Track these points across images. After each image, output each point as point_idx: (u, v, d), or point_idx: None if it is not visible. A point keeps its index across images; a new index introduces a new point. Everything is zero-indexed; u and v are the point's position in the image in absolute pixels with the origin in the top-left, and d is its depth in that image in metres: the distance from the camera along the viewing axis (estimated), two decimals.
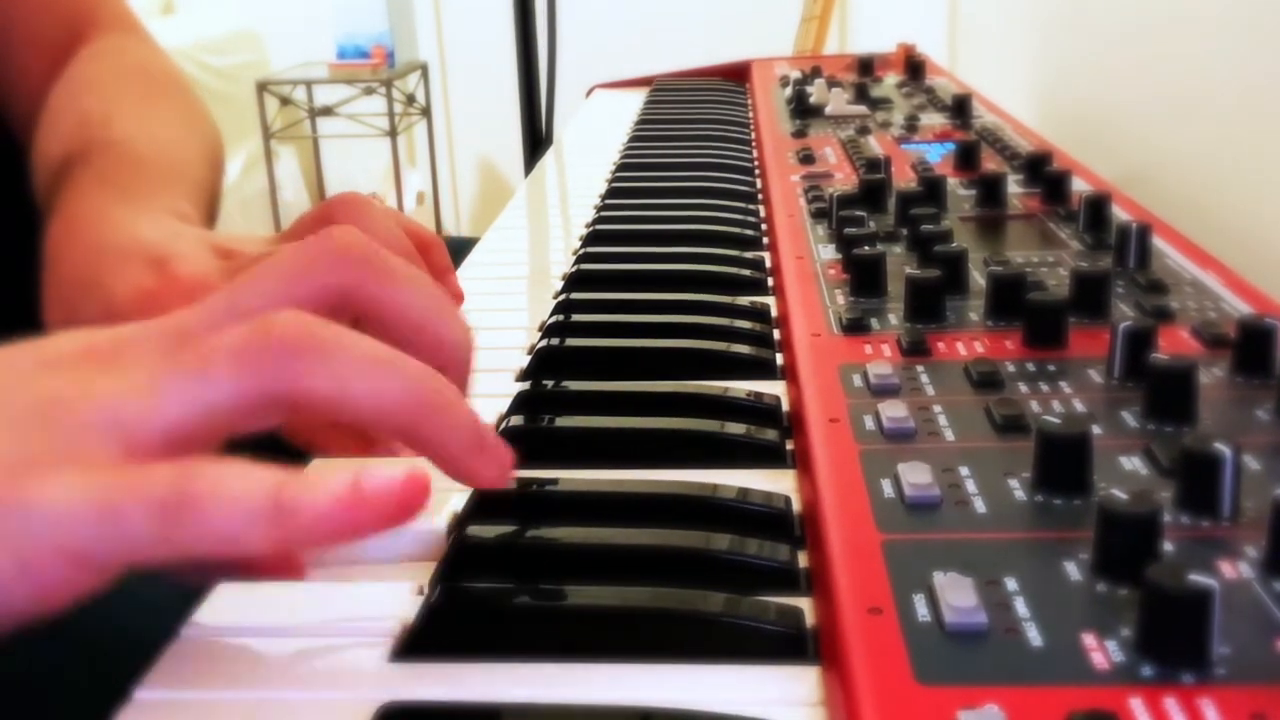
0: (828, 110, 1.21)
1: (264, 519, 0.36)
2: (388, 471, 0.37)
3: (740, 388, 0.61)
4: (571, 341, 0.68)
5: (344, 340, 0.40)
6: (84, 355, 0.40)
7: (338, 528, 0.37)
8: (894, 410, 0.51)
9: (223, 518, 0.36)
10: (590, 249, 0.87)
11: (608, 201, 1.01)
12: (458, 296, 0.61)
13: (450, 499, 0.51)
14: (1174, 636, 0.34)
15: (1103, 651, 0.35)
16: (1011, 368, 0.56)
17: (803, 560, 0.46)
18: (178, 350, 0.40)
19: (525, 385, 0.63)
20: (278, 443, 0.49)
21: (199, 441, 0.39)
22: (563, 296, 0.76)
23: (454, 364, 0.47)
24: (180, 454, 0.38)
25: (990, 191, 0.83)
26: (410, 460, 0.40)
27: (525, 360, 0.67)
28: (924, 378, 0.55)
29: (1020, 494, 0.44)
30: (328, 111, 4.04)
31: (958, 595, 0.37)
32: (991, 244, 0.75)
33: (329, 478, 0.37)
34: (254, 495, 0.36)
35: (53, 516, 0.36)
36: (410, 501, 0.37)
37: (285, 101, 4.04)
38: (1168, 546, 0.40)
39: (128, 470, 0.37)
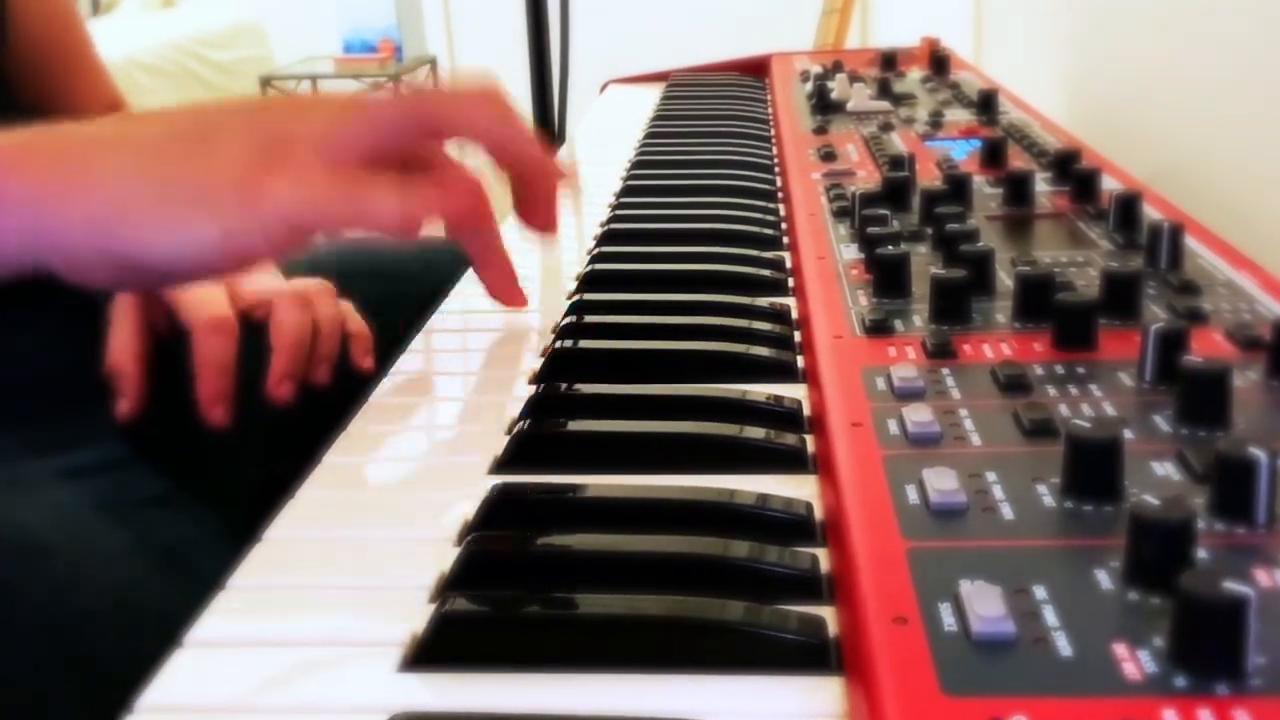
0: (849, 106, 1.21)
1: (401, 209, 0.58)
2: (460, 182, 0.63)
3: (760, 391, 0.61)
4: (585, 343, 0.69)
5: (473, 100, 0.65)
6: (291, 101, 0.64)
7: (445, 212, 0.63)
8: (919, 414, 0.51)
9: (377, 210, 0.58)
10: (604, 249, 0.88)
11: (622, 200, 1.02)
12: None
13: (461, 506, 0.51)
14: (1208, 646, 0.34)
15: (1134, 662, 0.35)
16: (1040, 370, 0.56)
17: (824, 568, 0.46)
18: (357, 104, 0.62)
19: (538, 388, 0.63)
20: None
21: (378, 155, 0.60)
22: (576, 297, 0.76)
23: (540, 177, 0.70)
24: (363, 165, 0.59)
25: (1017, 190, 0.83)
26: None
27: (538, 363, 0.67)
28: (949, 381, 0.55)
29: (1049, 500, 0.44)
30: None
31: (985, 604, 0.37)
32: (1019, 243, 0.75)
33: (424, 191, 0.60)
34: (395, 198, 0.58)
35: (281, 199, 0.56)
36: (470, 195, 0.63)
37: None
38: (1201, 554, 0.40)
39: (327, 176, 0.58)
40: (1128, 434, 0.48)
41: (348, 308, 0.79)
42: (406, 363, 0.69)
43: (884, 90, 1.26)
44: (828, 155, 1.02)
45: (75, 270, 0.56)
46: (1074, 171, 0.84)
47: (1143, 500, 0.39)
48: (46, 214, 0.55)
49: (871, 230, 0.73)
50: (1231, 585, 0.34)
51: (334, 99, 0.64)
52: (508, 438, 0.58)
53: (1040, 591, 0.39)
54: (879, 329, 0.61)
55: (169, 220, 0.56)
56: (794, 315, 0.73)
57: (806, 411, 0.60)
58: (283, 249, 0.58)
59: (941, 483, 0.45)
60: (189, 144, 0.58)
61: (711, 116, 1.35)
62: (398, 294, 0.83)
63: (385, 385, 0.66)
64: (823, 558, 0.47)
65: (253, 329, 0.74)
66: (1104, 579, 0.39)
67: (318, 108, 0.62)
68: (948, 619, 0.38)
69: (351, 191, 0.58)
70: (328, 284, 0.78)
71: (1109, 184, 0.84)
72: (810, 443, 0.56)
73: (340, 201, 0.58)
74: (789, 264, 0.82)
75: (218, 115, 0.61)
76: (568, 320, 0.72)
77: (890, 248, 0.68)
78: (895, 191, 0.83)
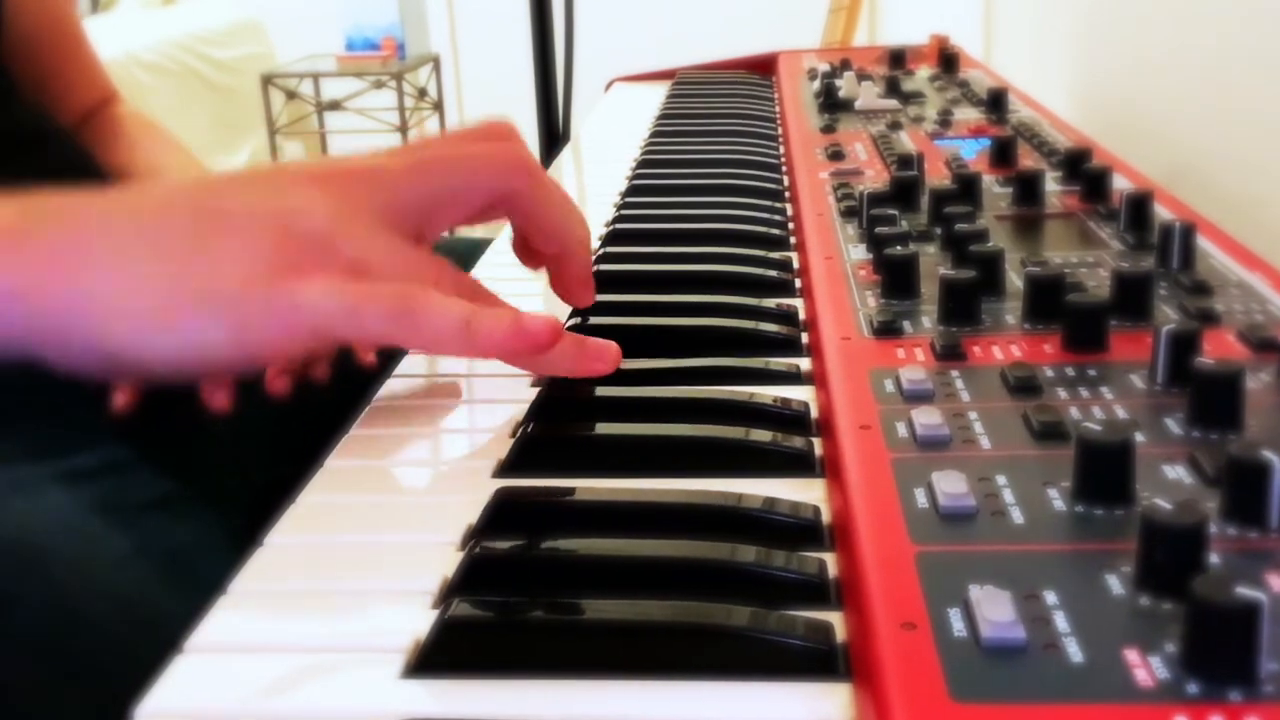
0: (858, 104, 1.21)
1: (458, 336, 0.55)
2: (541, 317, 0.57)
3: (766, 393, 0.61)
4: None
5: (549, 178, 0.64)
6: (312, 177, 0.58)
7: (505, 350, 0.58)
8: (928, 417, 0.51)
9: (431, 329, 0.54)
10: (609, 249, 0.88)
11: (628, 200, 1.02)
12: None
13: (464, 511, 0.51)
14: (1220, 652, 0.34)
15: (1146, 668, 0.35)
16: (1050, 372, 0.56)
17: (832, 573, 0.46)
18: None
19: (543, 390, 0.63)
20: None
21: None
22: None
23: (578, 253, 0.67)
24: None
25: (1027, 189, 0.83)
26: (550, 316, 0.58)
27: None
28: (959, 383, 0.55)
29: (1059, 504, 0.44)
30: (336, 106, 4.06)
31: (995, 609, 0.37)
32: (1029, 244, 0.75)
33: (502, 314, 0.56)
34: (453, 317, 0.54)
35: (310, 308, 0.53)
36: (552, 335, 0.57)
37: (291, 95, 4.06)
38: (1214, 558, 0.40)
39: (368, 287, 0.54)
40: (1139, 437, 0.48)
41: None
42: (409, 365, 0.69)
43: (892, 88, 1.26)
44: (835, 154, 1.02)
45: (68, 363, 0.55)
46: (1084, 171, 0.84)
47: (1154, 504, 0.39)
48: (37, 309, 0.53)
49: (880, 230, 0.73)
50: (1244, 590, 0.34)
51: (347, 169, 0.59)
52: (512, 441, 0.58)
53: (1051, 596, 0.39)
54: (887, 330, 0.61)
55: (170, 322, 0.53)
56: (801, 316, 0.73)
57: (814, 414, 0.60)
58: (305, 349, 0.57)
59: (951, 486, 0.45)
60: (193, 234, 0.55)
61: (718, 115, 1.35)
62: None
63: (388, 388, 0.66)
64: (830, 562, 0.47)
65: None
66: (1115, 584, 0.39)
67: (330, 183, 0.58)
68: (957, 624, 0.38)
69: (399, 305, 0.54)
70: None
71: (1120, 183, 0.84)
72: (818, 446, 0.56)
73: (385, 318, 0.54)
74: (796, 264, 0.82)
75: (223, 197, 0.57)
76: (573, 321, 0.72)
77: (899, 248, 0.68)
78: (904, 191, 0.83)
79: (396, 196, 0.59)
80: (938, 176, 0.89)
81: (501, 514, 0.51)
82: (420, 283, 0.55)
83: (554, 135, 2.02)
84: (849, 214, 0.83)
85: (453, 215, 0.62)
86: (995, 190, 0.87)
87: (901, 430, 0.51)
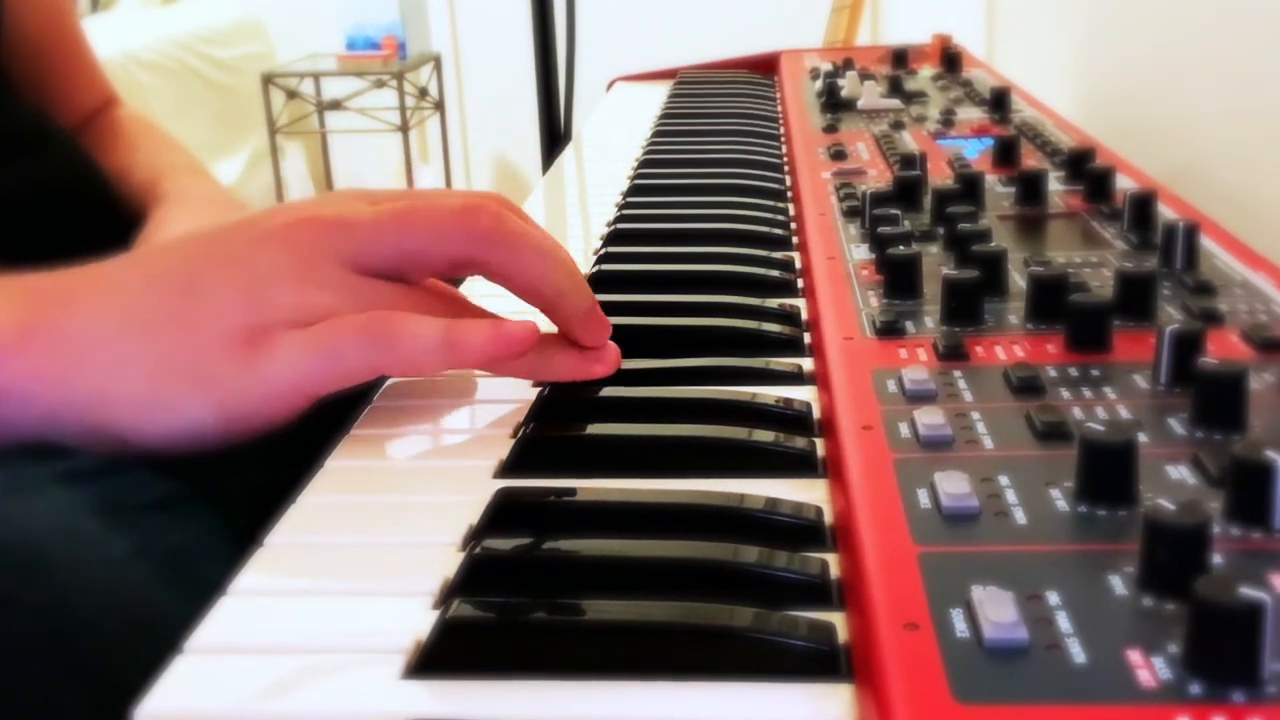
0: (860, 104, 1.21)
1: (437, 350, 0.55)
2: (520, 323, 0.57)
3: (769, 393, 0.61)
4: None
5: (523, 236, 0.60)
6: (281, 228, 0.58)
7: (487, 359, 0.58)
8: (930, 417, 0.51)
9: (408, 349, 0.55)
10: (611, 249, 0.88)
11: (630, 200, 1.02)
12: None
13: (466, 511, 0.51)
14: (1224, 653, 0.34)
15: (1149, 669, 0.35)
16: (1053, 373, 0.56)
17: (835, 573, 0.46)
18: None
19: (544, 390, 0.63)
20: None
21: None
22: None
23: (561, 305, 0.62)
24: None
25: (1030, 189, 0.83)
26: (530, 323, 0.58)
27: None
28: (961, 383, 0.55)
29: (1062, 504, 0.44)
30: (336, 105, 4.06)
31: (997, 610, 0.37)
32: (1032, 244, 0.75)
33: (480, 323, 0.57)
34: (430, 333, 0.55)
35: (289, 367, 0.54)
36: (532, 336, 0.57)
37: (292, 95, 4.06)
38: (1217, 559, 0.40)
39: (336, 321, 0.54)
40: (1142, 437, 0.48)
41: None
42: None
43: (895, 88, 1.26)
44: (838, 154, 1.02)
45: (75, 443, 0.56)
46: (1088, 170, 0.84)
47: (1158, 504, 0.39)
48: (38, 400, 0.55)
49: (882, 230, 0.73)
50: (1248, 591, 0.34)
51: (317, 218, 0.58)
52: (513, 441, 0.58)
53: (1053, 597, 0.39)
54: (890, 330, 0.62)
55: (160, 401, 0.54)
56: (804, 317, 0.73)
57: (816, 414, 0.60)
58: (298, 411, 0.56)
59: (953, 486, 0.45)
60: (173, 305, 0.55)
61: (720, 115, 1.35)
62: None
63: (388, 388, 0.66)
64: (833, 563, 0.47)
65: None
66: (1118, 584, 0.39)
67: (297, 233, 0.57)
68: (959, 625, 0.38)
69: (372, 330, 0.55)
70: None
71: (1123, 183, 0.84)
72: (820, 446, 0.56)
73: (361, 346, 0.55)
74: (799, 264, 0.83)
75: (198, 260, 0.57)
76: None
77: (901, 248, 0.68)
78: (906, 191, 0.83)
79: (362, 249, 0.58)
80: (940, 176, 0.89)
81: (503, 514, 0.51)
82: (394, 309, 0.56)
83: (555, 135, 2.02)
84: (851, 214, 0.83)
85: (420, 273, 0.61)
86: (998, 190, 0.87)
87: (904, 430, 0.51)
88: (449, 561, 0.48)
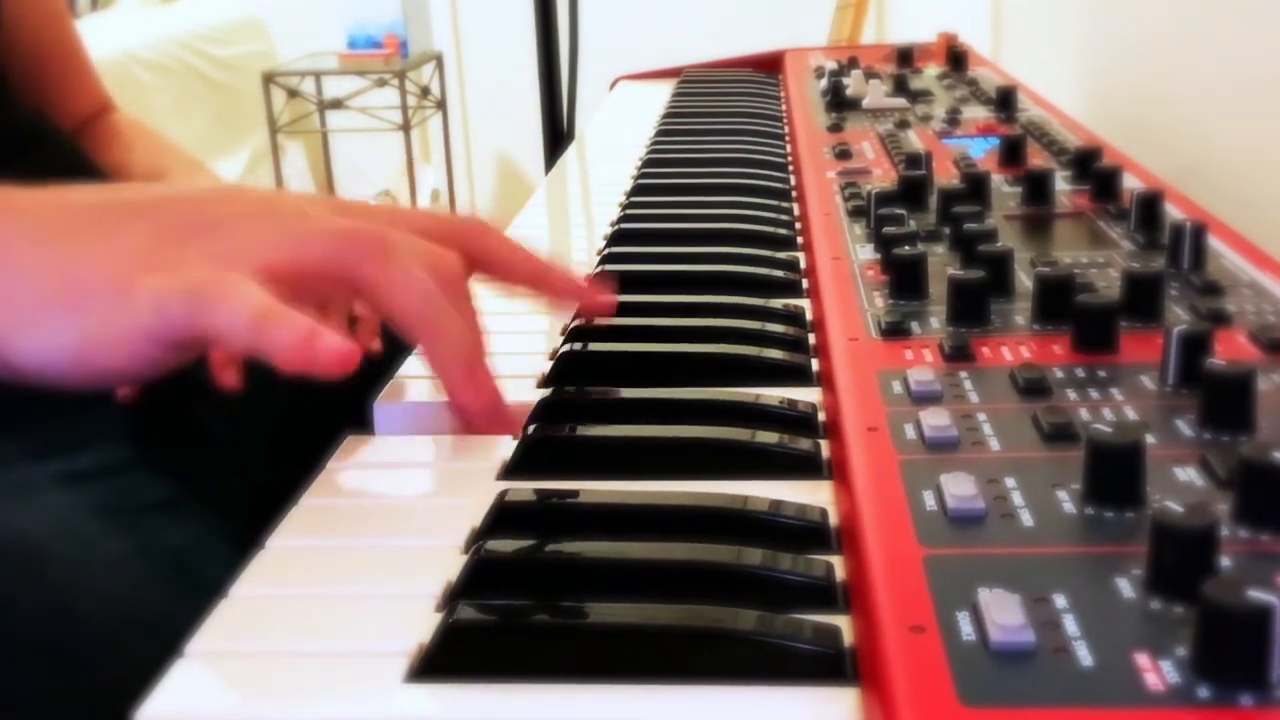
0: (865, 103, 1.21)
1: (246, 327, 0.51)
2: (338, 337, 0.52)
3: (773, 395, 0.61)
4: (595, 346, 0.69)
5: (406, 260, 0.57)
6: (233, 196, 0.58)
7: (287, 359, 0.51)
8: (936, 418, 0.51)
9: (225, 319, 0.51)
10: (615, 249, 0.88)
11: (633, 199, 1.02)
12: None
13: (468, 513, 0.51)
14: (1232, 656, 0.34)
15: (1157, 672, 0.35)
16: (1060, 374, 0.56)
17: (840, 576, 0.46)
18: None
19: (547, 392, 0.63)
20: None
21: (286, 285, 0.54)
22: None
23: (428, 354, 0.59)
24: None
25: (1037, 188, 0.83)
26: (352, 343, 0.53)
27: (547, 365, 0.67)
28: (967, 384, 0.55)
29: (1069, 506, 0.44)
30: (337, 104, 4.05)
31: (1004, 613, 0.37)
32: (1038, 244, 0.75)
33: (300, 322, 0.51)
34: (248, 307, 0.51)
35: (145, 303, 0.52)
36: (340, 364, 0.52)
37: (293, 94, 4.06)
38: (1225, 561, 0.40)
39: (184, 273, 0.52)
40: (1149, 438, 0.48)
41: None
42: (411, 365, 0.69)
43: (900, 87, 1.26)
44: (843, 153, 1.02)
45: None
46: (1094, 170, 0.84)
47: (1165, 506, 0.39)
48: None
49: (887, 230, 0.73)
50: (1256, 593, 0.34)
51: (282, 207, 0.58)
52: (516, 442, 0.58)
53: (1060, 600, 0.39)
54: (895, 331, 0.61)
55: (35, 320, 0.53)
56: (808, 317, 0.73)
57: (821, 416, 0.60)
58: (146, 367, 0.54)
59: (959, 488, 0.45)
60: (83, 226, 0.55)
61: (724, 114, 1.35)
62: None
63: (389, 389, 0.66)
64: (838, 565, 0.47)
65: None
66: (1125, 587, 0.39)
67: (257, 212, 0.57)
68: (966, 628, 0.38)
69: (201, 288, 0.52)
70: None
71: (1130, 183, 0.84)
72: (825, 448, 0.56)
73: (183, 299, 0.52)
74: (803, 265, 0.83)
75: (137, 201, 0.57)
76: (577, 323, 0.72)
77: (907, 248, 0.68)
78: (912, 190, 0.83)
79: (270, 257, 0.55)
80: (946, 176, 0.89)
81: (506, 516, 0.51)
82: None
83: (558, 134, 2.02)
84: (856, 213, 0.83)
85: (324, 290, 0.60)
86: (1004, 190, 0.87)
87: (910, 432, 0.51)
88: (452, 564, 0.48)
